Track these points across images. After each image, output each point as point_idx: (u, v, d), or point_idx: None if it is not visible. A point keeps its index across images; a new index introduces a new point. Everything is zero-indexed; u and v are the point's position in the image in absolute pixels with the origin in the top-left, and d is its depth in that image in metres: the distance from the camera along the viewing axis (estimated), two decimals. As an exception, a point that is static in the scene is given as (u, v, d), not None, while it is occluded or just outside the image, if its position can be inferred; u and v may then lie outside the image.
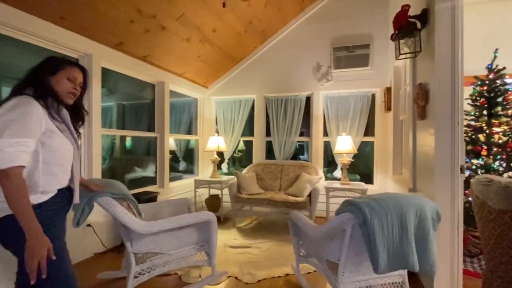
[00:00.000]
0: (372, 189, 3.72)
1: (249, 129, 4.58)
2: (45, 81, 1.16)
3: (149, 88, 3.67)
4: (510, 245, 1.39)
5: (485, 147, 2.70)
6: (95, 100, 2.66)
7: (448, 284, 1.80)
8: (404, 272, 1.69)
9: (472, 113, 2.90)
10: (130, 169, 3.57)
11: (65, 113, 1.21)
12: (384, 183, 3.76)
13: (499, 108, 2.73)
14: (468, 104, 2.92)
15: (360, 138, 3.85)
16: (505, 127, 2.68)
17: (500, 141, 2.66)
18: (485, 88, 2.83)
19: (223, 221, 3.73)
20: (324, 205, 3.37)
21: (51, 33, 2.26)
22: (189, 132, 4.55)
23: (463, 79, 1.76)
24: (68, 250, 1.21)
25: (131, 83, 3.42)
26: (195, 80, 4.31)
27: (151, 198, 3.04)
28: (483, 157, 2.69)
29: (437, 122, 1.81)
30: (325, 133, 4.07)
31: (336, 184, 3.38)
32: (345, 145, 3.39)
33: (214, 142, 4.01)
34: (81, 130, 1.39)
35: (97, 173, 2.70)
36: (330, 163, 4.44)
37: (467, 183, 2.19)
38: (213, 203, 3.99)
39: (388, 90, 3.43)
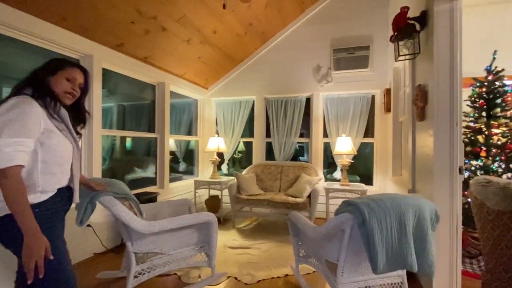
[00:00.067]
0: (371, 190, 3.73)
1: (249, 130, 4.59)
2: (44, 81, 1.16)
3: (150, 89, 3.68)
4: (509, 245, 1.40)
5: (484, 149, 2.71)
6: (96, 101, 2.67)
7: (447, 285, 1.81)
8: (403, 273, 1.70)
9: (471, 115, 2.92)
10: (130, 170, 3.58)
11: (64, 112, 1.21)
12: (383, 184, 3.77)
13: (498, 110, 2.74)
14: (467, 105, 2.93)
15: (360, 139, 3.85)
16: (504, 129, 2.69)
17: (499, 143, 2.67)
18: (484, 89, 2.84)
19: (222, 222, 3.74)
20: (324, 206, 3.37)
21: (52, 34, 2.27)
22: (189, 133, 4.56)
23: (461, 80, 1.78)
24: (67, 249, 1.21)
25: (131, 84, 3.43)
26: (195, 81, 4.33)
27: (151, 198, 3.05)
28: (482, 158, 2.70)
29: (436, 123, 1.82)
30: (325, 134, 4.08)
31: (336, 185, 3.38)
32: (344, 146, 3.40)
33: (214, 143, 4.02)
34: (81, 131, 1.40)
35: (97, 174, 2.71)
36: (330, 164, 4.45)
37: (466, 184, 2.20)
38: (213, 204, 3.99)
39: (387, 91, 3.44)
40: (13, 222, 0.99)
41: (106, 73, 2.88)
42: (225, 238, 3.08)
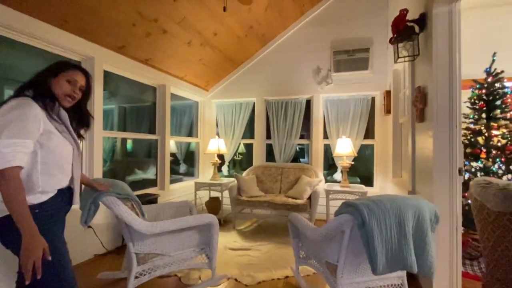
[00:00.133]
0: (372, 191, 3.73)
1: (249, 132, 4.60)
2: (46, 83, 1.17)
3: (150, 91, 3.70)
4: (509, 247, 1.40)
5: (484, 150, 2.72)
6: (97, 103, 2.69)
7: (447, 286, 1.80)
8: (403, 274, 1.70)
9: (471, 116, 2.92)
10: (131, 171, 3.59)
11: (64, 114, 1.22)
12: (384, 186, 3.77)
13: (498, 111, 2.75)
14: (467, 107, 2.94)
15: (360, 141, 3.86)
16: (504, 130, 2.70)
17: (499, 144, 2.68)
18: (483, 91, 2.85)
19: (223, 223, 3.74)
20: (324, 207, 3.37)
21: (53, 36, 2.29)
22: (189, 134, 4.58)
23: (460, 82, 1.78)
24: (68, 250, 1.22)
25: (132, 86, 3.45)
26: (196, 83, 4.34)
27: (151, 200, 3.06)
28: (482, 159, 2.70)
29: (435, 125, 1.82)
30: (325, 136, 4.08)
31: (336, 187, 3.38)
32: (345, 148, 3.41)
33: (215, 144, 4.03)
34: (82, 133, 1.41)
35: (98, 175, 2.71)
36: (330, 166, 4.45)
37: (466, 186, 2.20)
38: (213, 205, 3.99)
39: (387, 93, 3.45)
40: (13, 223, 0.99)
41: (107, 75, 2.90)
42: (226, 240, 3.08)
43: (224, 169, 4.63)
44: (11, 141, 0.98)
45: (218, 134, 4.64)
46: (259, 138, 4.43)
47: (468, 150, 2.78)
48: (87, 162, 2.66)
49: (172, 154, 4.12)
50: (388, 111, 3.44)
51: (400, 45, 2.13)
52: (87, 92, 1.33)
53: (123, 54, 2.97)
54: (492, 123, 2.74)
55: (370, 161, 3.99)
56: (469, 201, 2.47)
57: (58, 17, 2.24)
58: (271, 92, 4.35)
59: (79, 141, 1.30)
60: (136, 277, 1.80)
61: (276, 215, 3.41)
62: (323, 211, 3.52)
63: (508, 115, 2.74)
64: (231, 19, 3.37)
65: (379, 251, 1.32)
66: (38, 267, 0.97)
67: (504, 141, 2.67)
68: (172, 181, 3.95)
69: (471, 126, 2.89)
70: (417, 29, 2.06)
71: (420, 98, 2.04)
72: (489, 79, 2.84)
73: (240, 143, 4.67)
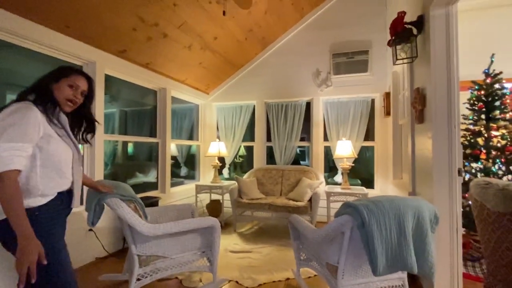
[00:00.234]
0: (372, 193, 3.73)
1: (250, 134, 4.62)
2: (47, 88, 1.19)
3: (151, 94, 3.72)
4: (510, 247, 1.40)
5: (484, 151, 2.72)
6: (98, 107, 2.71)
7: (448, 287, 1.80)
8: (404, 275, 1.69)
9: (471, 117, 2.93)
10: (132, 175, 3.60)
11: (64, 118, 1.24)
12: (385, 187, 3.77)
13: (497, 112, 2.76)
14: (466, 108, 2.95)
15: (360, 143, 3.87)
16: (504, 131, 2.70)
17: (499, 145, 2.68)
18: (482, 92, 2.86)
19: (224, 226, 3.73)
20: (325, 210, 3.37)
21: (55, 41, 2.32)
22: (190, 137, 4.59)
23: (458, 83, 1.80)
24: (68, 252, 1.22)
25: (133, 89, 3.48)
26: (196, 86, 4.37)
27: (152, 203, 3.06)
28: (482, 160, 2.70)
29: (434, 126, 1.83)
30: (326, 138, 4.09)
31: (337, 189, 3.38)
32: (345, 150, 3.42)
33: (215, 147, 4.04)
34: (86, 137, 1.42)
35: (99, 178, 2.72)
36: (331, 168, 4.45)
37: (467, 187, 2.20)
38: (214, 208, 3.99)
39: (387, 95, 3.46)
40: None
41: (108, 79, 2.93)
42: (227, 242, 3.08)
43: (225, 171, 4.64)
44: (10, 145, 0.99)
45: (218, 137, 4.65)
46: (259, 140, 4.45)
47: (468, 151, 2.78)
48: (89, 165, 2.68)
49: (173, 157, 4.14)
50: (388, 112, 3.45)
51: (398, 47, 2.15)
52: (90, 96, 1.34)
53: (124, 58, 2.99)
54: (491, 124, 2.74)
55: (371, 163, 3.99)
56: (470, 202, 2.47)
57: (60, 23, 2.27)
58: (271, 95, 4.37)
59: (79, 145, 1.31)
60: (138, 279, 1.80)
61: (277, 218, 3.41)
62: (324, 213, 3.52)
63: (507, 115, 2.75)
64: (231, 23, 3.40)
65: (379, 251, 1.33)
66: (33, 271, 0.96)
67: (503, 142, 2.67)
68: (173, 184, 3.96)
69: (471, 127, 2.89)
70: (415, 31, 2.07)
71: (419, 100, 2.05)
72: (488, 80, 2.85)
73: (240, 146, 4.68)
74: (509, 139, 2.68)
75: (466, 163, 2.76)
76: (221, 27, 3.37)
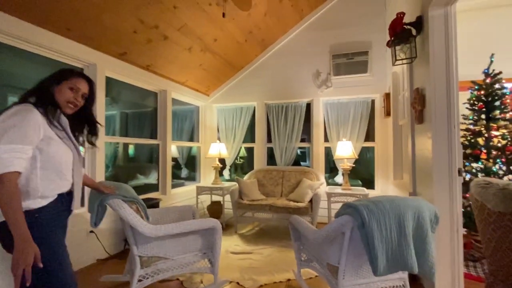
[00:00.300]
0: (373, 194, 3.73)
1: (250, 135, 4.63)
2: (48, 90, 1.20)
3: (152, 96, 3.74)
4: (511, 247, 1.40)
5: (484, 151, 2.72)
6: (99, 109, 2.72)
7: (449, 287, 1.80)
8: (405, 275, 1.69)
9: (471, 117, 2.93)
10: (132, 176, 3.61)
11: (64, 120, 1.24)
12: (385, 188, 3.76)
13: (497, 112, 2.76)
14: (466, 108, 2.95)
15: (360, 144, 3.87)
16: (504, 131, 2.70)
17: (499, 145, 2.68)
18: (482, 92, 2.87)
19: (225, 227, 3.73)
20: (326, 210, 3.37)
21: (56, 44, 2.34)
22: (191, 139, 4.60)
23: (458, 83, 1.80)
24: (68, 253, 1.22)
25: (134, 91, 3.49)
26: (197, 88, 4.38)
27: (153, 204, 3.07)
28: (483, 160, 2.70)
29: (434, 126, 1.84)
30: (326, 139, 4.10)
31: (338, 190, 3.38)
32: (345, 151, 3.42)
33: (216, 149, 4.05)
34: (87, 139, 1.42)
35: (100, 180, 2.73)
36: (331, 169, 4.45)
37: (467, 187, 2.20)
38: (215, 209, 4.00)
39: (387, 95, 3.47)
40: None
41: (109, 81, 2.94)
42: (227, 244, 3.08)
43: (226, 173, 4.65)
44: (10, 147, 1.00)
45: (219, 138, 4.66)
46: (260, 142, 4.45)
47: (469, 151, 2.78)
48: (90, 167, 2.69)
49: (174, 159, 4.15)
50: (388, 113, 3.46)
51: (397, 48, 2.16)
52: (90, 99, 1.35)
53: (124, 60, 3.01)
54: (491, 124, 2.75)
55: (371, 164, 3.99)
56: (471, 202, 2.47)
57: (61, 25, 2.29)
58: (271, 96, 4.38)
59: (80, 147, 1.32)
60: (139, 280, 1.81)
61: (277, 219, 3.41)
62: (324, 214, 3.52)
63: (507, 115, 2.75)
64: (231, 25, 3.42)
65: (379, 252, 1.33)
66: (28, 274, 0.96)
67: (504, 142, 2.67)
68: (173, 186, 3.97)
69: (471, 127, 2.89)
70: (414, 31, 2.08)
71: (419, 100, 2.06)
72: (488, 80, 2.85)
73: (241, 147, 4.69)
74: (509, 139, 2.68)
75: (467, 163, 2.76)
76: (221, 29, 3.39)
